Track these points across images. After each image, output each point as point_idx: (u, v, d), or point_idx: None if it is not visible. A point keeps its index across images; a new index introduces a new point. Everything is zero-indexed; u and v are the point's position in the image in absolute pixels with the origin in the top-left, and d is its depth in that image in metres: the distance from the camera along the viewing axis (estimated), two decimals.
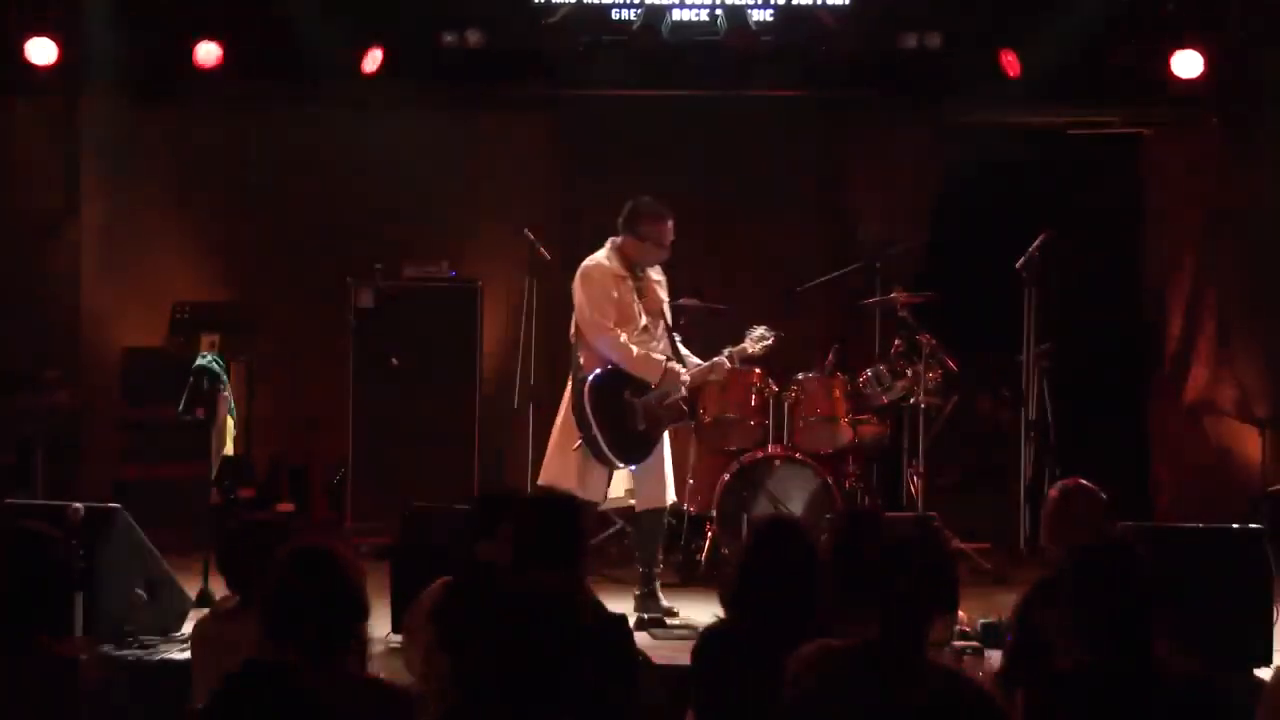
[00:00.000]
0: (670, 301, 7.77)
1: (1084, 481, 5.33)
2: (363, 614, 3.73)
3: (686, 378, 7.45)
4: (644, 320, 7.46)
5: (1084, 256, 9.79)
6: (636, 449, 7.40)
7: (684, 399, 7.48)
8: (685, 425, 7.51)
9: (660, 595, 7.49)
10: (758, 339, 7.66)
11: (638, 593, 7.49)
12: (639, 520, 7.58)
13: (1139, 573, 3.82)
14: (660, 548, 7.64)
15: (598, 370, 7.39)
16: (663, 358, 7.41)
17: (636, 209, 7.48)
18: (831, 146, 10.26)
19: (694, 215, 9.74)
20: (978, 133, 10.01)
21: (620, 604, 7.39)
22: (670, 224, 7.48)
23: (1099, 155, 10.22)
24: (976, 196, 9.91)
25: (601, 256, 7.46)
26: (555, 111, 10.33)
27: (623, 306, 7.40)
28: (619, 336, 7.35)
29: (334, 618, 3.66)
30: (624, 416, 7.37)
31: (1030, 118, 10.06)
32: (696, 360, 7.70)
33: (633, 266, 7.47)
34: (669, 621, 7.29)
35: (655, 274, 7.57)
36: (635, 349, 7.37)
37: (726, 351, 7.67)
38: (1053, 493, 5.31)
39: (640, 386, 7.39)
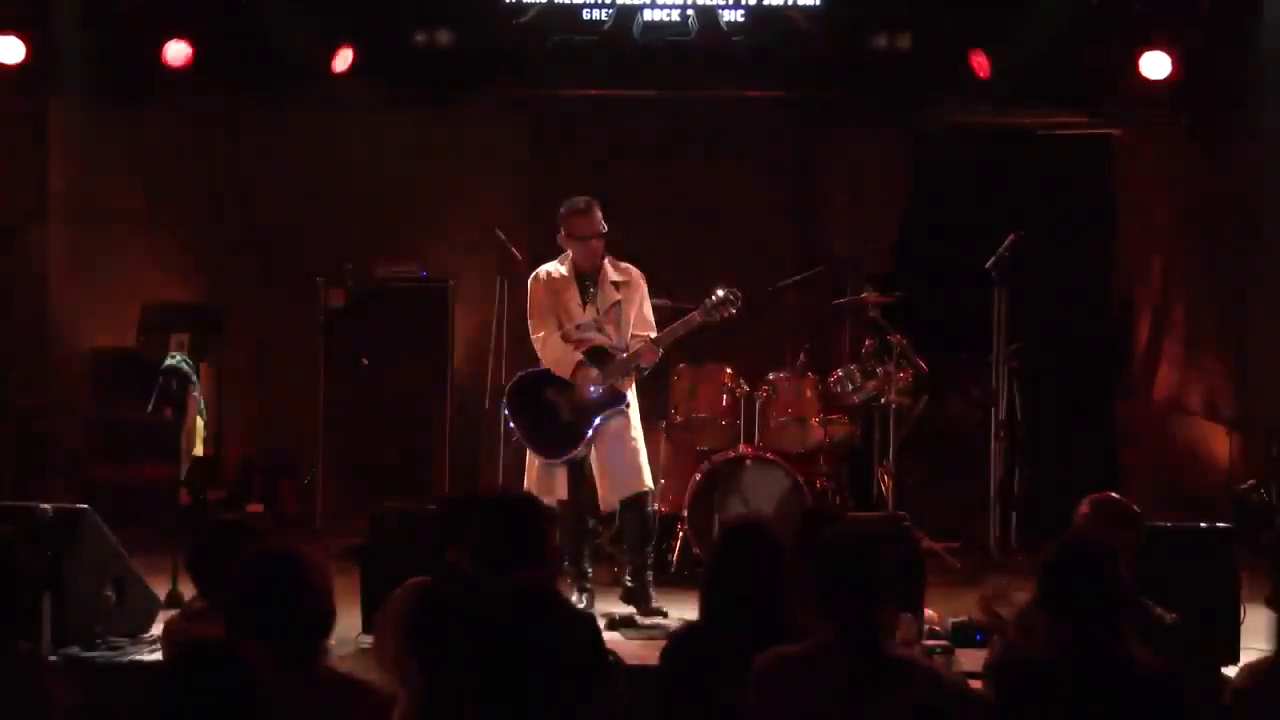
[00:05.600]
0: (655, 301, 7.76)
1: (1114, 495, 5.32)
2: (328, 616, 3.72)
3: (596, 376, 7.41)
4: (593, 317, 7.48)
5: (1054, 257, 9.82)
6: (563, 441, 7.42)
7: (608, 388, 7.41)
8: (621, 411, 7.44)
9: (651, 591, 7.45)
10: (716, 304, 7.43)
11: (628, 584, 7.51)
12: (622, 511, 7.56)
13: (1109, 569, 3.86)
14: (650, 538, 7.58)
15: (517, 375, 7.65)
16: (576, 357, 7.39)
17: (561, 210, 7.56)
18: (802, 147, 10.27)
19: (665, 215, 9.80)
20: (948, 133, 10.05)
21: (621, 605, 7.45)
22: (589, 216, 7.44)
23: (1069, 156, 10.25)
24: (947, 197, 9.94)
25: (552, 261, 7.59)
26: (526, 111, 10.32)
27: (564, 307, 7.48)
28: (544, 337, 7.48)
29: (298, 620, 3.66)
30: (547, 412, 7.43)
31: (1000, 119, 10.10)
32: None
33: (581, 269, 7.50)
34: (642, 621, 7.29)
35: (616, 274, 7.56)
36: (556, 349, 7.42)
37: (649, 335, 7.52)
38: (1083, 507, 5.27)
39: (565, 383, 7.43)
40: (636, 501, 7.51)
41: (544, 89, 10.06)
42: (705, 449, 8.46)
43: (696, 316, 7.46)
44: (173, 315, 9.78)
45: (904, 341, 8.54)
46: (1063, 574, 3.88)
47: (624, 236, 7.71)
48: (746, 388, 8.51)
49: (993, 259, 8.79)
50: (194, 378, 9.04)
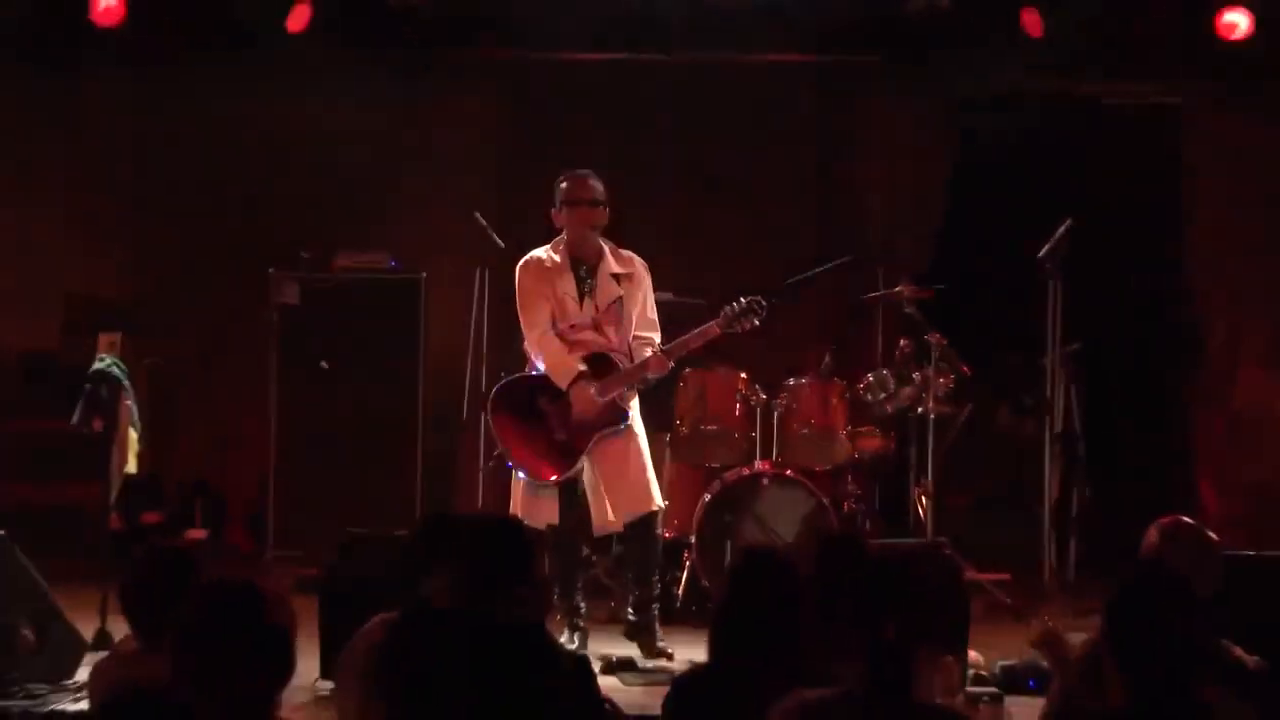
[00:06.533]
0: (657, 296, 7.76)
1: (1186, 519, 5.32)
2: (289, 661, 3.71)
3: (597, 390, 7.39)
4: (590, 315, 7.48)
5: (1117, 244, 9.83)
6: (555, 460, 7.42)
7: (610, 402, 7.41)
8: (618, 431, 7.43)
9: (657, 629, 7.45)
10: (737, 314, 7.43)
11: (632, 618, 7.50)
12: (627, 535, 7.56)
13: (1183, 606, 3.85)
14: (657, 566, 7.59)
15: (502, 381, 7.64)
16: (577, 367, 7.39)
17: (556, 182, 7.56)
18: (829, 119, 10.28)
19: (671, 197, 9.81)
20: (996, 103, 10.05)
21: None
22: (587, 181, 7.46)
23: (1134, 128, 10.26)
24: (994, 176, 9.95)
25: (544, 248, 7.58)
26: (511, 78, 10.33)
27: (560, 300, 7.48)
28: (539, 336, 7.46)
29: (256, 665, 3.64)
30: (538, 426, 7.43)
31: (1055, 86, 10.10)
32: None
33: (577, 255, 7.50)
34: (645, 663, 7.28)
35: (618, 265, 7.55)
36: (553, 351, 7.41)
37: (659, 347, 7.52)
38: (1151, 534, 5.27)
39: (559, 391, 7.42)
40: (644, 524, 7.51)
41: (531, 52, 10.05)
42: (716, 466, 8.45)
43: (714, 328, 7.47)
44: (102, 311, 9.78)
45: (944, 342, 8.54)
46: (1129, 611, 3.88)
47: (623, 221, 7.71)
48: (763, 395, 8.50)
49: (1046, 247, 8.77)
50: (126, 383, 9.01)
